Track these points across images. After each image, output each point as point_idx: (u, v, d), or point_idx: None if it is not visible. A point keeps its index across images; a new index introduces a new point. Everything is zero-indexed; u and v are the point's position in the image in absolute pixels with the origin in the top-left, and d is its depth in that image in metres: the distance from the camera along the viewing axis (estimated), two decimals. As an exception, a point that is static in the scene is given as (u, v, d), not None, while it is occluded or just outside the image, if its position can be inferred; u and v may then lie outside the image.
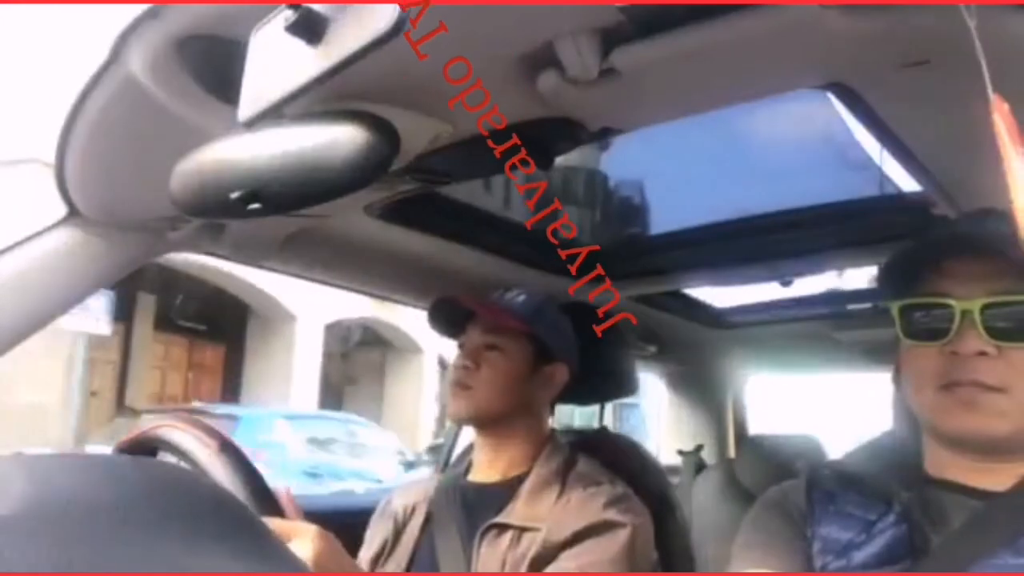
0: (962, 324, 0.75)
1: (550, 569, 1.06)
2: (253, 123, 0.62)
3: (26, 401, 7.84)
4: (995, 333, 0.74)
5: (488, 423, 1.23)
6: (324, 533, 0.87)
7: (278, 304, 10.98)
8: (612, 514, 1.09)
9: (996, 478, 0.76)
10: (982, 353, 0.74)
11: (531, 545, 1.08)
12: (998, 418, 0.74)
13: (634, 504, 1.14)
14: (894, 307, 0.82)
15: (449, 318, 1.27)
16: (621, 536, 1.08)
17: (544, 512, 1.11)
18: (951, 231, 0.90)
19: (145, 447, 0.91)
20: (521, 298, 1.28)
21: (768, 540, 0.85)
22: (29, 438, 6.28)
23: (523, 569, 1.06)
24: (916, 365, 0.80)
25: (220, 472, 0.84)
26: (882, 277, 0.87)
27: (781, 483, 0.91)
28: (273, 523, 0.84)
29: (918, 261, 0.82)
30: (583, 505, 1.10)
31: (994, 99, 0.47)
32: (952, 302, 0.76)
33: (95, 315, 8.21)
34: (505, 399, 1.20)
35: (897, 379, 0.86)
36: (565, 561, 1.06)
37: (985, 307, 0.74)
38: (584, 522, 1.07)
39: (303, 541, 0.84)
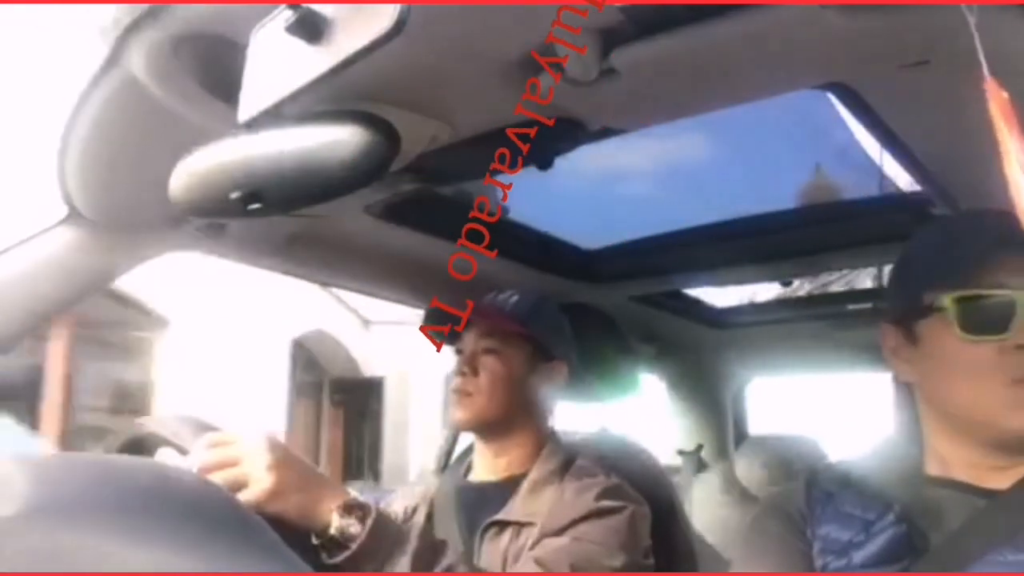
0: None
1: (544, 542, 1.06)
2: (253, 123, 0.62)
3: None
4: None
5: (490, 428, 1.23)
6: (271, 443, 0.84)
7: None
8: (607, 502, 1.09)
9: (1003, 477, 0.76)
10: None
11: (529, 538, 1.08)
12: None
13: (629, 492, 1.14)
14: (945, 299, 0.76)
15: (444, 324, 1.27)
16: (617, 518, 1.08)
17: (542, 507, 1.11)
18: (999, 226, 0.85)
19: (145, 447, 0.91)
20: (515, 299, 1.27)
21: (769, 544, 0.85)
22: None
23: (522, 561, 1.06)
24: (973, 361, 0.76)
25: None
26: (925, 267, 0.82)
27: (781, 486, 0.90)
28: (218, 436, 0.83)
29: (971, 250, 0.78)
30: (578, 496, 1.10)
31: (990, 83, 0.47)
32: (1011, 293, 0.73)
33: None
34: (505, 403, 1.20)
35: (899, 379, 0.86)
36: (563, 538, 1.05)
37: None
38: (580, 512, 1.07)
39: (257, 456, 0.82)
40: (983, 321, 0.75)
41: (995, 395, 0.74)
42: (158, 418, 0.94)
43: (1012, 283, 0.74)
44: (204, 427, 0.89)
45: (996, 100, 0.46)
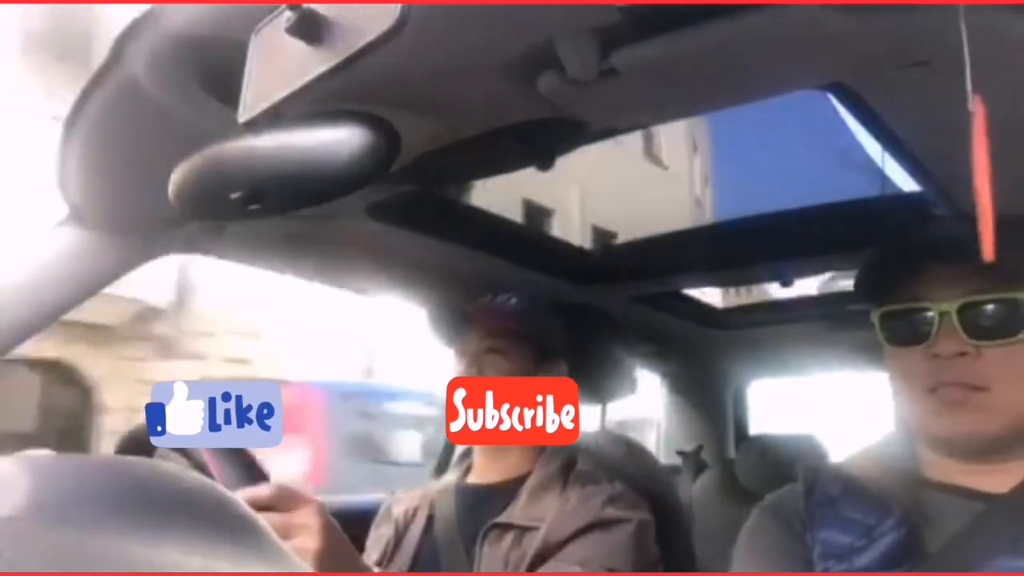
0: (941, 326, 0.76)
1: (551, 564, 1.05)
2: (253, 123, 0.62)
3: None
4: (974, 332, 0.75)
5: None
6: (328, 524, 0.83)
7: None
8: (612, 511, 1.09)
9: (995, 480, 0.76)
10: (962, 353, 0.75)
11: (532, 544, 1.08)
12: (985, 416, 0.74)
13: (634, 500, 1.14)
14: (874, 315, 0.83)
15: (447, 325, 1.27)
16: (622, 531, 1.07)
17: (545, 512, 1.11)
18: (923, 236, 0.91)
19: (144, 446, 0.91)
20: (513, 300, 1.28)
21: (767, 548, 0.84)
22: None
23: (524, 568, 1.06)
24: (900, 370, 0.81)
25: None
26: (859, 286, 0.88)
27: (778, 489, 0.91)
28: (272, 518, 0.82)
29: (893, 267, 0.83)
30: (583, 504, 1.10)
31: (974, 100, 0.47)
32: (930, 305, 0.77)
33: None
34: None
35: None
36: (566, 556, 1.05)
37: (962, 307, 0.75)
38: (584, 520, 1.07)
39: (308, 536, 0.81)
40: (904, 333, 0.80)
41: (916, 403, 0.79)
42: None
43: (932, 295, 0.77)
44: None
45: (979, 116, 0.47)
